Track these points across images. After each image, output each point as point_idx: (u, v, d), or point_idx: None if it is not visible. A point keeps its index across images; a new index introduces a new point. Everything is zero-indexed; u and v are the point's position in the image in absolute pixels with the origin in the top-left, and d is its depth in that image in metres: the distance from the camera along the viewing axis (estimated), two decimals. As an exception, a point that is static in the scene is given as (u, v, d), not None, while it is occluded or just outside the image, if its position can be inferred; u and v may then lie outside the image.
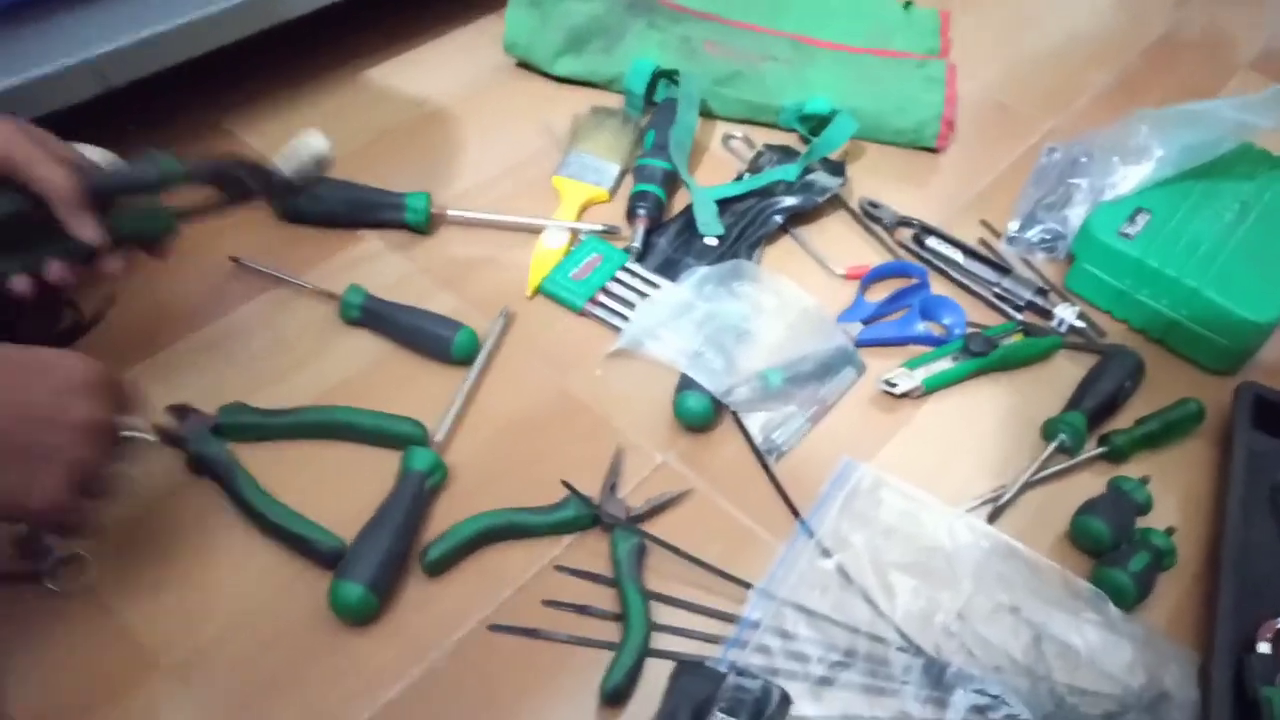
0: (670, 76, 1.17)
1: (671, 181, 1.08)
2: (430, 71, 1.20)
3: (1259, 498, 0.88)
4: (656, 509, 0.82)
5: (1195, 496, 0.90)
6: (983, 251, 1.07)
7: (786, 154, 1.13)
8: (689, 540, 0.80)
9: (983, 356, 0.95)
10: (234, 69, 1.10)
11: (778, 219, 1.06)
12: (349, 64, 1.19)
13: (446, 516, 0.79)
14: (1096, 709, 0.74)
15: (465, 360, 0.89)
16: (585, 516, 0.80)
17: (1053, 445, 0.89)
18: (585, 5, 1.19)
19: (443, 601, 0.76)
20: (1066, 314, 1.00)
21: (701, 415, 0.88)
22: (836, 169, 1.11)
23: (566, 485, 0.81)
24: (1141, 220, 1.02)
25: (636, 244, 1.01)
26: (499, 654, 0.74)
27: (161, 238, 0.77)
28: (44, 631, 0.71)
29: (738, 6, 1.28)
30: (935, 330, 1.00)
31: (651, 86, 1.17)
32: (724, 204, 1.07)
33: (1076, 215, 1.07)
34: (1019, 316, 1.01)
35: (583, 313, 0.96)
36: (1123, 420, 0.93)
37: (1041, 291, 1.03)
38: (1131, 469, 0.90)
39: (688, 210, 1.06)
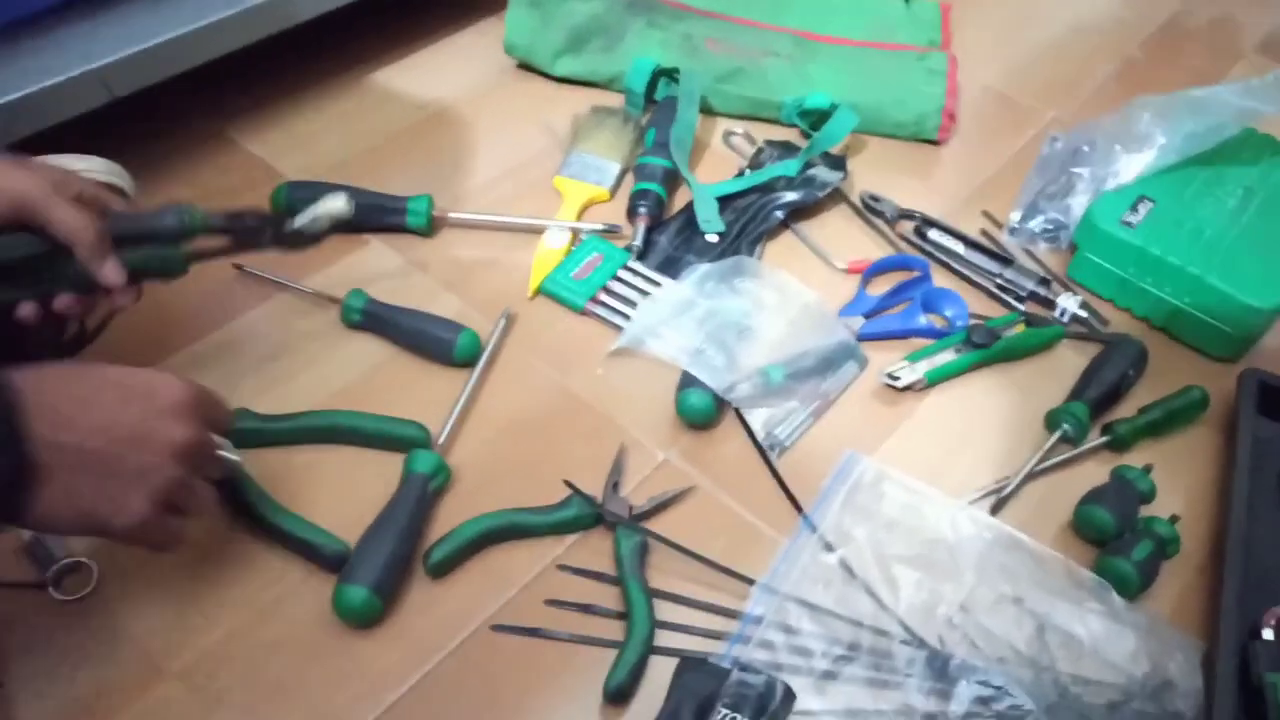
0: (671, 74, 1.17)
1: (672, 179, 1.08)
2: (431, 75, 1.21)
3: (1264, 484, 0.88)
4: (659, 507, 0.83)
5: (1199, 484, 0.90)
6: (984, 243, 1.07)
7: (787, 149, 1.13)
8: (692, 537, 0.80)
9: (985, 348, 0.95)
10: (236, 76, 1.11)
11: (779, 214, 1.06)
12: (350, 70, 1.20)
13: (450, 518, 0.80)
14: (1100, 698, 0.74)
15: (467, 362, 0.90)
16: (588, 515, 0.81)
17: (1056, 435, 0.89)
18: (585, 5, 1.20)
19: (446, 603, 0.76)
20: (1069, 304, 1.00)
21: (703, 412, 0.88)
22: (837, 163, 1.11)
23: (569, 484, 0.82)
24: (1144, 208, 1.02)
25: (637, 242, 1.01)
26: (503, 654, 0.74)
27: (172, 277, 0.78)
28: (49, 639, 0.71)
29: (740, 3, 1.28)
30: (937, 323, 1.00)
31: (652, 85, 1.17)
32: (725, 201, 1.07)
33: (1079, 204, 1.06)
34: (1021, 307, 1.01)
35: (584, 312, 0.97)
36: (1126, 409, 0.92)
37: (1044, 281, 1.03)
38: (1135, 458, 0.89)
39: (689, 207, 1.06)
